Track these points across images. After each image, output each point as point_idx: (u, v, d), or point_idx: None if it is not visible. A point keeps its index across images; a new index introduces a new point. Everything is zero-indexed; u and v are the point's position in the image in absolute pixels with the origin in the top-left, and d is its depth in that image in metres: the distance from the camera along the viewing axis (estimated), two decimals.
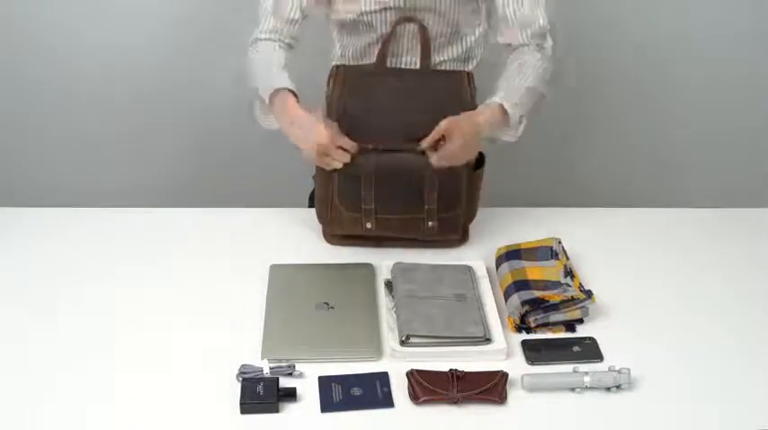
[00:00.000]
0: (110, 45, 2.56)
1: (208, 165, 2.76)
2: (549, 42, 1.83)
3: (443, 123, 1.65)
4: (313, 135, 1.63)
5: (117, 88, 2.63)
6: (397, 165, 1.69)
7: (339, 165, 1.65)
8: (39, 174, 2.74)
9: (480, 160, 1.82)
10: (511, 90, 1.75)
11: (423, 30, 1.77)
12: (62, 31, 2.54)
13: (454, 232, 1.79)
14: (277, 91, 1.69)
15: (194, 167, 2.77)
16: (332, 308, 1.63)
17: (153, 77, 2.62)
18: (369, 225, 1.74)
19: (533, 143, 2.78)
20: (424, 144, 1.66)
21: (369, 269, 1.75)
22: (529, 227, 1.89)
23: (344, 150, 1.64)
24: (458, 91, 1.76)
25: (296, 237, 1.86)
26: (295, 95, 1.68)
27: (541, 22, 1.81)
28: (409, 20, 1.77)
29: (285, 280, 1.70)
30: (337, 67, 1.82)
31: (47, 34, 2.54)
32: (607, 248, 1.86)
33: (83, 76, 2.60)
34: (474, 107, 1.72)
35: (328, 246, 1.84)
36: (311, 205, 1.98)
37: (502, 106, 1.72)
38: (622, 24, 2.64)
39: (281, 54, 1.79)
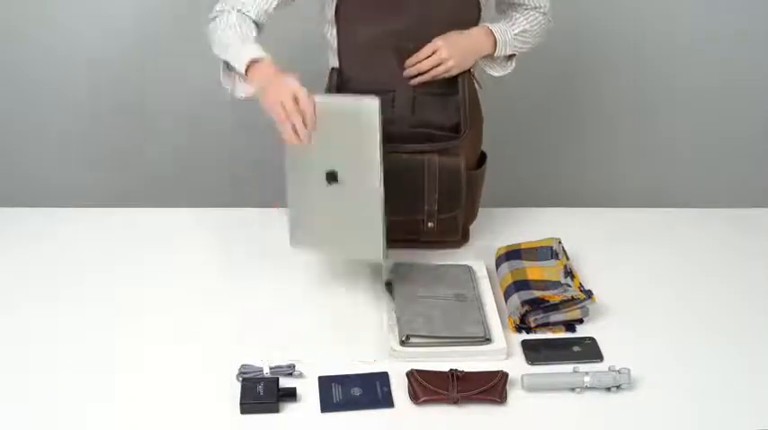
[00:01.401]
0: (110, 44, 2.56)
1: (208, 165, 2.76)
2: (548, 12, 1.85)
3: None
4: (286, 86, 1.51)
5: (117, 88, 2.63)
6: (397, 166, 1.69)
7: (289, 131, 1.50)
8: (39, 174, 2.73)
9: (481, 160, 1.82)
10: (501, 24, 1.79)
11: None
12: (62, 31, 2.54)
13: (453, 233, 1.79)
14: (254, 61, 1.60)
15: (194, 167, 2.76)
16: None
17: (153, 77, 2.62)
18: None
19: (533, 143, 2.81)
20: (413, 59, 1.72)
21: None
22: (529, 227, 1.89)
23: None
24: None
25: None
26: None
27: (545, 9, 1.84)
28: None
29: None
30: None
31: (47, 34, 2.54)
32: (607, 248, 1.86)
33: (83, 75, 2.60)
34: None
35: None
36: None
37: (489, 29, 1.76)
38: (623, 24, 2.64)
39: (251, 27, 1.70)
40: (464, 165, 1.71)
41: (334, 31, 1.77)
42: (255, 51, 1.61)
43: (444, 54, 1.71)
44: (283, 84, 1.52)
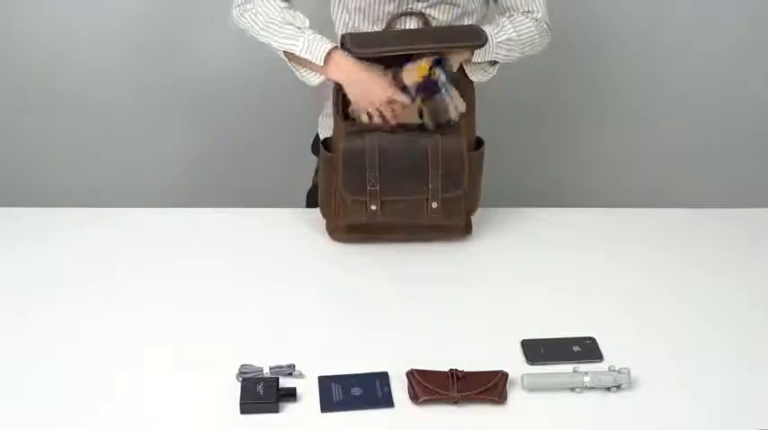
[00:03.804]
0: (109, 45, 2.56)
1: (208, 166, 2.76)
2: (543, 19, 1.84)
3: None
4: (374, 90, 1.70)
5: (117, 88, 2.63)
6: (400, 146, 1.70)
7: (389, 116, 1.72)
8: (39, 174, 2.74)
9: (479, 142, 1.82)
10: (487, 29, 1.77)
11: (425, 23, 1.78)
12: (62, 31, 2.54)
13: (457, 215, 1.79)
14: (327, 52, 1.71)
15: (194, 167, 2.77)
16: None
17: (153, 77, 2.63)
18: (374, 207, 1.74)
19: (534, 144, 2.81)
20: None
21: None
22: (529, 226, 1.89)
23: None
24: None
25: (296, 237, 1.86)
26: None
27: (538, 15, 1.83)
28: (411, 14, 1.78)
29: None
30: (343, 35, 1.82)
31: (46, 33, 2.54)
32: (607, 248, 1.86)
33: (82, 75, 2.60)
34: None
35: (330, 245, 1.83)
36: (309, 205, 1.99)
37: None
38: (622, 26, 2.64)
39: (293, 12, 1.77)
40: (465, 143, 1.73)
41: (342, 15, 1.80)
42: (324, 42, 1.72)
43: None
44: (377, 86, 1.70)
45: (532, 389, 1.45)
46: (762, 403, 1.45)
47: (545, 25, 1.84)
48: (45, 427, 1.37)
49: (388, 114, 1.71)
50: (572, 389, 1.45)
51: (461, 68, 1.77)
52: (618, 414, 1.42)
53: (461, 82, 1.76)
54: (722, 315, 1.67)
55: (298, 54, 1.72)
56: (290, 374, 1.47)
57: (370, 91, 1.70)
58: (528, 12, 1.82)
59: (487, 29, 1.77)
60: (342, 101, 1.75)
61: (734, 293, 1.73)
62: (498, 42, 1.77)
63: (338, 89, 1.75)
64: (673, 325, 1.63)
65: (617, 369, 1.46)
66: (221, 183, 2.76)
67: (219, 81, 2.63)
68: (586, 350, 1.54)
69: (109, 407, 1.40)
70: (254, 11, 1.76)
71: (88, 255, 1.79)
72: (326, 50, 1.70)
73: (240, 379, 1.45)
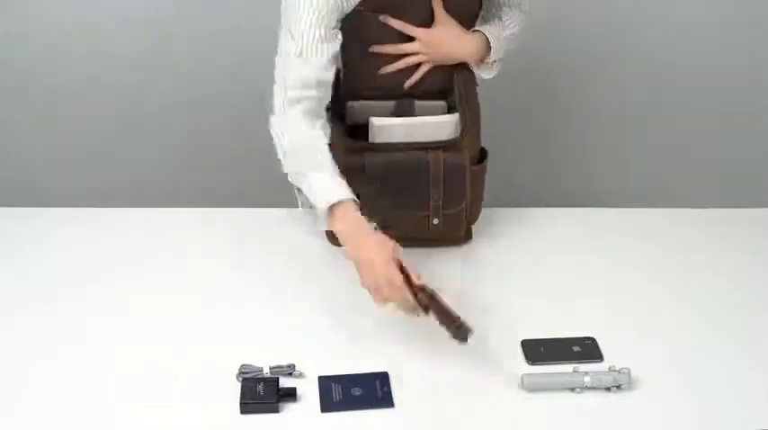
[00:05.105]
0: (110, 45, 2.56)
1: (207, 165, 2.76)
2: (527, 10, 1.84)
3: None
4: (384, 268, 1.50)
5: (116, 88, 2.63)
6: (402, 163, 1.69)
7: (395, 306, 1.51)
8: (39, 175, 2.74)
9: (482, 155, 1.82)
10: (493, 29, 1.76)
11: None
12: (62, 30, 2.54)
13: (458, 230, 1.79)
14: (339, 203, 1.53)
15: (194, 167, 2.76)
16: None
17: (152, 77, 2.62)
18: (373, 225, 1.73)
19: (534, 144, 2.81)
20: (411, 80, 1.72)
21: None
22: (529, 227, 1.89)
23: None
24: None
25: (296, 237, 1.86)
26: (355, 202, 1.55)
27: (526, 7, 1.83)
28: None
29: None
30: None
31: (46, 33, 2.54)
32: (607, 248, 1.86)
33: (82, 75, 2.60)
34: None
35: (329, 246, 1.83)
36: None
37: (486, 37, 1.74)
38: (623, 24, 2.64)
39: (324, 140, 1.60)
40: (468, 160, 1.72)
41: (339, 35, 1.77)
42: (335, 191, 1.53)
43: (416, 48, 1.70)
44: (381, 263, 1.49)
45: (532, 389, 1.45)
46: (762, 403, 1.45)
47: (528, 15, 1.84)
48: (45, 427, 1.37)
49: (383, 294, 1.49)
50: (572, 389, 1.45)
51: (463, 72, 1.76)
52: (618, 414, 1.42)
53: (463, 86, 1.76)
54: (722, 315, 1.67)
55: (305, 193, 1.57)
56: (290, 374, 1.47)
57: (373, 267, 1.50)
58: (519, 4, 1.82)
59: (495, 29, 1.76)
60: (338, 111, 1.73)
61: (734, 293, 1.73)
62: (505, 37, 1.77)
63: (334, 96, 1.71)
64: (673, 325, 1.63)
65: (617, 369, 1.46)
66: (222, 183, 2.75)
67: (219, 81, 2.62)
68: (586, 350, 1.54)
69: (109, 407, 1.40)
70: (284, 125, 1.59)
71: (88, 255, 1.79)
72: (331, 202, 1.52)
73: (240, 379, 1.45)
